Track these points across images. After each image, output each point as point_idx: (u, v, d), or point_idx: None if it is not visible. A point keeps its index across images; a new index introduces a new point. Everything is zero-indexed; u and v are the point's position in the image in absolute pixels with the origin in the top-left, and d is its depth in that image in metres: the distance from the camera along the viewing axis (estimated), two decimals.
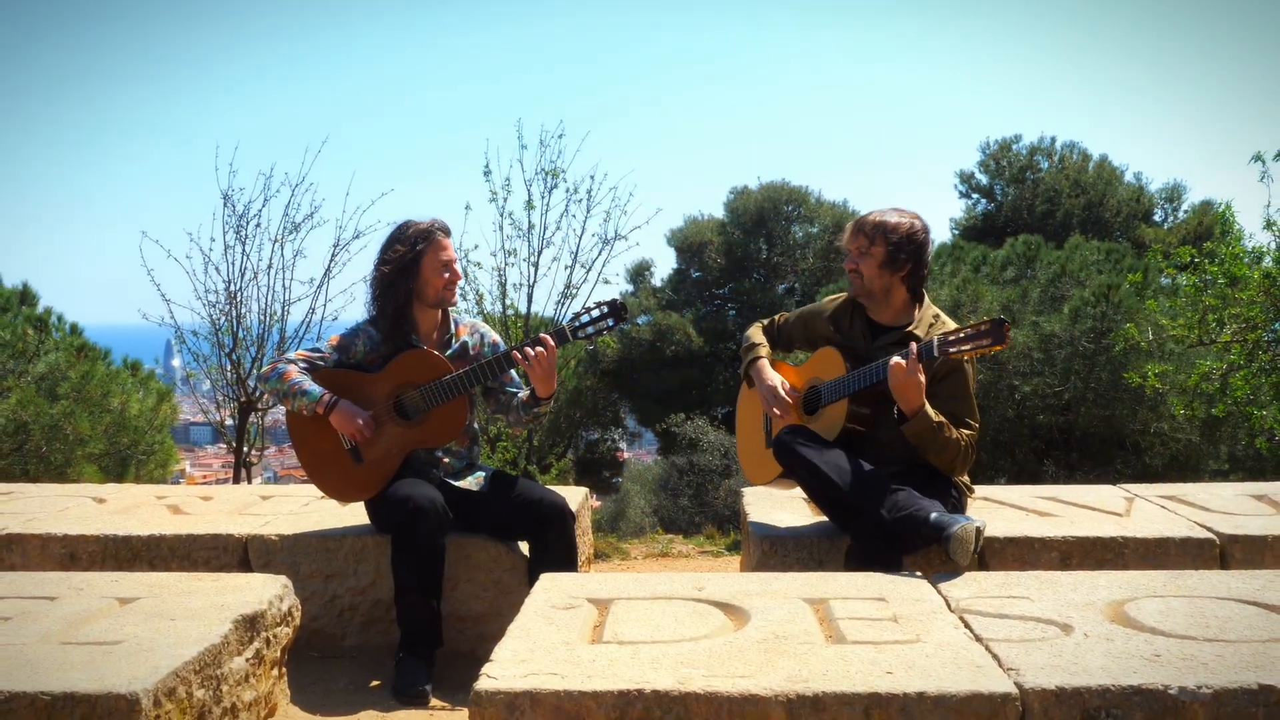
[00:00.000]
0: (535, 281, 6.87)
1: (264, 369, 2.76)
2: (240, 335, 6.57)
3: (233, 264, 6.51)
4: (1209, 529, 2.71)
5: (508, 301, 6.87)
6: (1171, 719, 1.54)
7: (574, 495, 3.19)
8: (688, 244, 19.25)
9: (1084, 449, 8.23)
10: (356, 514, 2.92)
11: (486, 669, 1.65)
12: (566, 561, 2.69)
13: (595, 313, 2.72)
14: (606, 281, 7.03)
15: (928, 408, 2.43)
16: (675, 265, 19.66)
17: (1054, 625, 1.83)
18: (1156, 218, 17.85)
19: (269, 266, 6.56)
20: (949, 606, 1.96)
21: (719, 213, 19.77)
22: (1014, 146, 18.40)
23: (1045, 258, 9.40)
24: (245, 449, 6.62)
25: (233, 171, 6.57)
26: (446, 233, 2.78)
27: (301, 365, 2.72)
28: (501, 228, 6.86)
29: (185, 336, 6.65)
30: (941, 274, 9.32)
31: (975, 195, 18.73)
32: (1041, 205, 17.17)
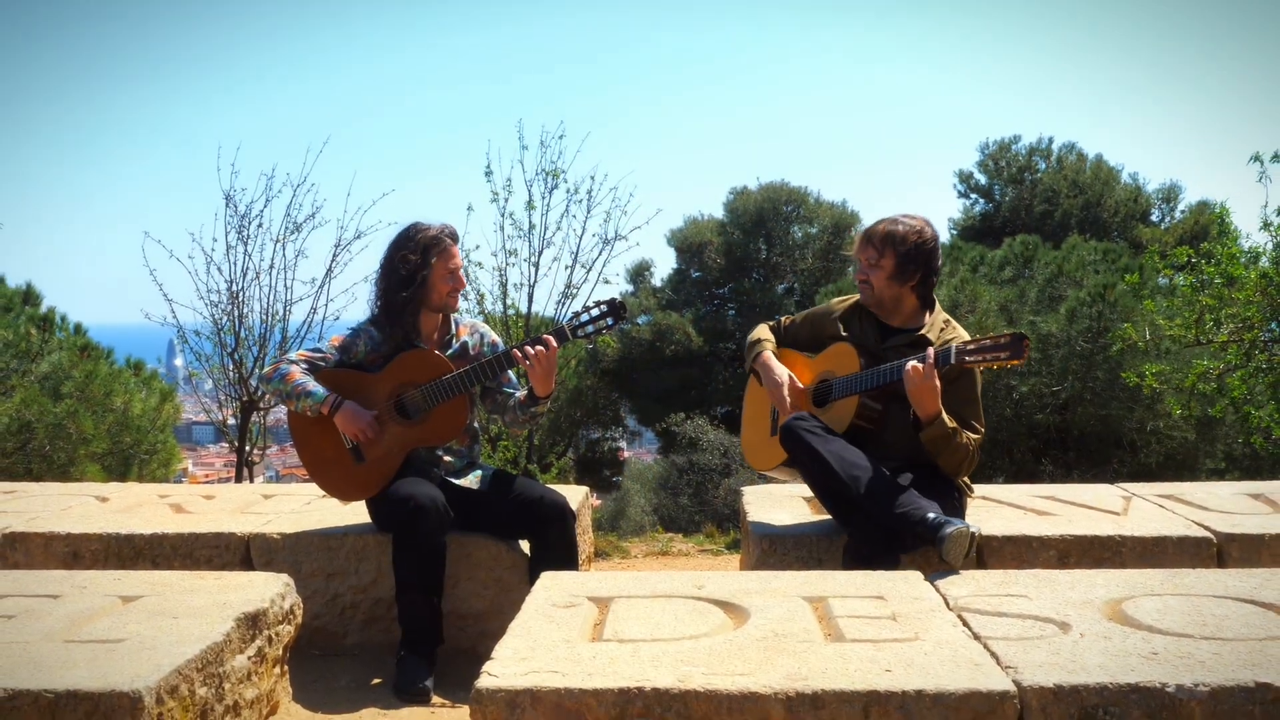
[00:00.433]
0: (536, 281, 6.89)
1: (266, 369, 2.77)
2: (242, 335, 6.59)
3: (235, 264, 6.54)
4: (1206, 528, 2.72)
5: (508, 301, 6.89)
6: (1169, 716, 1.54)
7: (574, 494, 3.20)
8: (687, 244, 19.25)
9: (1081, 448, 8.25)
10: (358, 513, 2.93)
11: (487, 667, 1.66)
12: (567, 560, 2.70)
13: (595, 312, 2.73)
14: (607, 281, 7.05)
15: (944, 413, 2.44)
16: (675, 265, 19.67)
17: (1052, 623, 1.84)
18: (1154, 218, 17.87)
19: (271, 266, 6.58)
20: (947, 605, 1.97)
21: (719, 213, 19.79)
22: (1013, 147, 18.43)
23: (1043, 258, 9.42)
24: (247, 448, 6.63)
25: (235, 172, 6.59)
26: (455, 239, 2.78)
27: (303, 366, 2.73)
28: (502, 228, 6.88)
29: (188, 336, 6.67)
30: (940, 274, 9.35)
31: (974, 195, 18.75)
32: (1039, 205, 17.20)
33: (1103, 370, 7.95)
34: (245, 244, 6.51)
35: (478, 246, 7.13)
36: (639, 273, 19.90)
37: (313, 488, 3.19)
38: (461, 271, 2.82)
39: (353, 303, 6.46)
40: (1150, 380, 6.26)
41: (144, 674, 1.69)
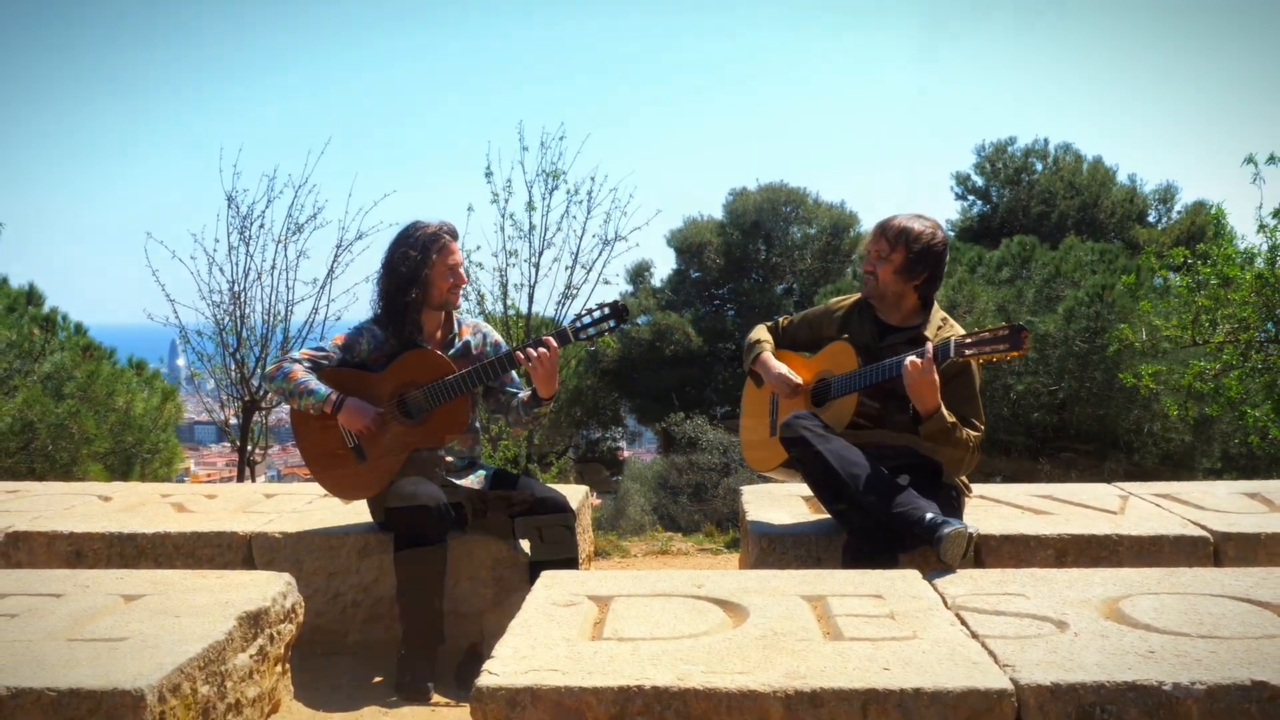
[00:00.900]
0: (536, 282, 6.89)
1: (269, 368, 2.78)
2: (244, 335, 6.61)
3: (237, 264, 6.57)
4: (1203, 527, 2.74)
5: (509, 302, 6.90)
6: (1166, 714, 1.55)
7: (574, 493, 3.21)
8: (687, 245, 19.26)
9: (1079, 448, 8.27)
10: (359, 512, 2.94)
11: (488, 665, 1.67)
12: (567, 559, 2.71)
13: (597, 314, 2.74)
14: (607, 282, 7.05)
15: (943, 408, 2.45)
16: (675, 266, 19.68)
17: (1049, 622, 1.85)
18: (1150, 219, 17.89)
19: (273, 267, 6.61)
20: (945, 604, 1.98)
21: (718, 214, 19.80)
22: (1009, 149, 18.43)
23: (1040, 258, 9.44)
24: (249, 448, 6.65)
25: (237, 173, 6.58)
26: (454, 236, 2.80)
27: (306, 365, 2.74)
28: (503, 229, 6.88)
29: (190, 336, 6.69)
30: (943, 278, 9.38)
31: (971, 197, 18.76)
32: (1037, 207, 17.21)
33: (1100, 370, 7.97)
34: (247, 244, 6.55)
35: (479, 247, 7.13)
36: (639, 273, 19.91)
37: (315, 487, 3.20)
38: (462, 268, 2.83)
39: (354, 303, 6.45)
40: (1147, 380, 6.27)
41: (146, 672, 1.70)
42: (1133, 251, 11.23)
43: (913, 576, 2.16)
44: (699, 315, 18.31)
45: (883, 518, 2.39)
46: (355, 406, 2.68)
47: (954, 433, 2.47)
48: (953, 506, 2.57)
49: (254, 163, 6.56)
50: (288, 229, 6.56)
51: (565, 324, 2.87)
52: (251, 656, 2.05)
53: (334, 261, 6.65)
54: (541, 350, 2.65)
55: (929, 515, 2.35)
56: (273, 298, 6.63)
